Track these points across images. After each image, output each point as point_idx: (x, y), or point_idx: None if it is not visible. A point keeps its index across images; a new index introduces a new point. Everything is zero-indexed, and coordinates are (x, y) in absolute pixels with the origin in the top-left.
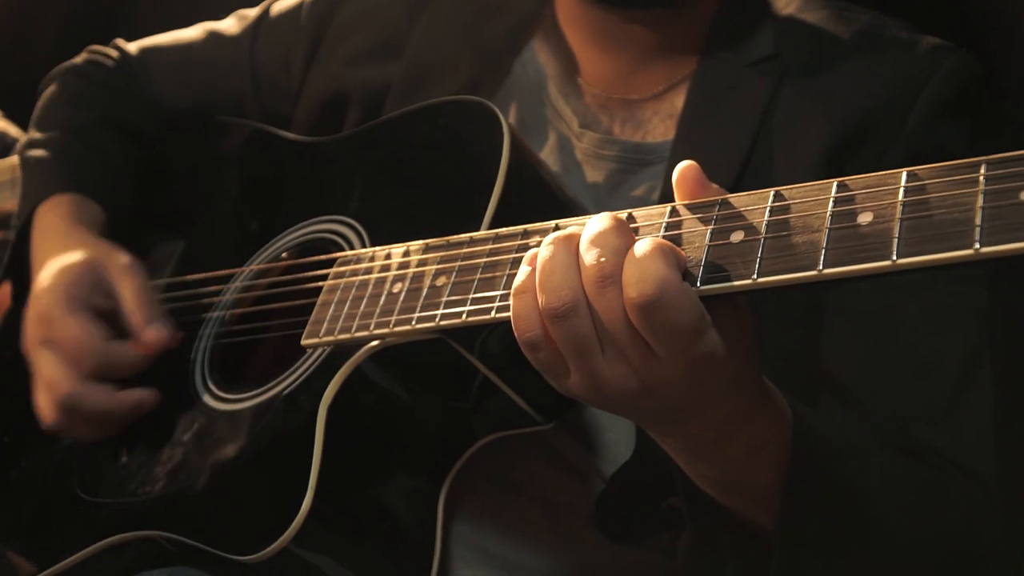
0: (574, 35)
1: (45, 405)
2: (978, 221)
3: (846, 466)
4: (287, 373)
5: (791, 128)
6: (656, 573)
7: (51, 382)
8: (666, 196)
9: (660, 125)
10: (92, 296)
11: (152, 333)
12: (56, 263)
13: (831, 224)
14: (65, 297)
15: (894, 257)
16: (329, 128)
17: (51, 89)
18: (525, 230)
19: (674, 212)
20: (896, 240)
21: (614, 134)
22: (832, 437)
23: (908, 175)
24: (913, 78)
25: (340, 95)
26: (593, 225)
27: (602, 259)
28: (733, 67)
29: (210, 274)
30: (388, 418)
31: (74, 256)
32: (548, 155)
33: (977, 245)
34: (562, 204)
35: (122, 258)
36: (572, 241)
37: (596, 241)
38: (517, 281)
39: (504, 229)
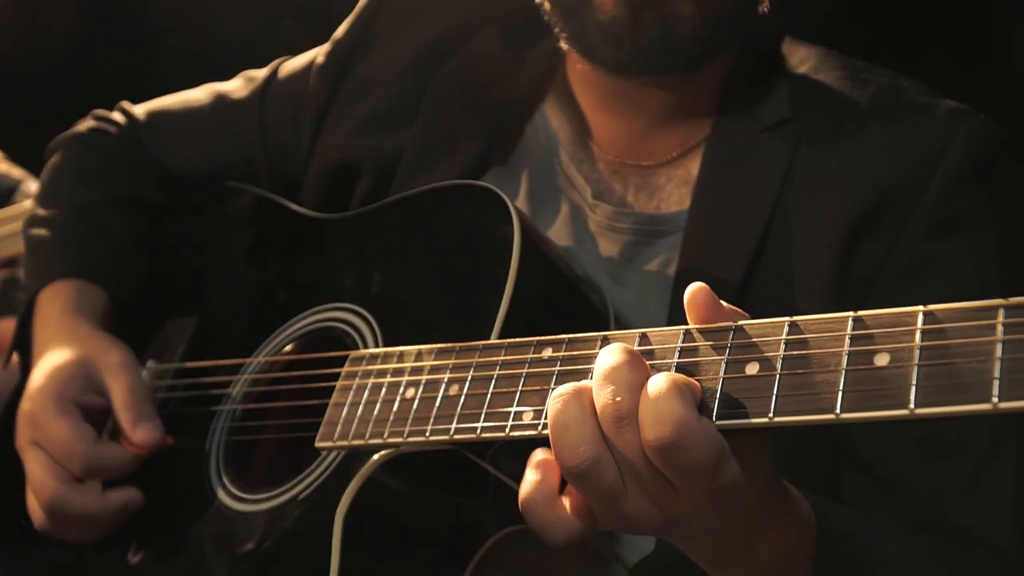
0: (586, 99)
1: (33, 507)
2: (996, 373)
3: (872, 563)
4: (303, 475)
5: (810, 198)
6: None
7: (37, 485)
8: (682, 269)
9: (675, 192)
10: (82, 395)
11: (141, 433)
12: (49, 361)
13: (848, 364)
14: (54, 397)
15: (911, 406)
16: (339, 195)
17: (54, 159)
18: (538, 341)
19: (688, 336)
20: (913, 388)
21: (628, 203)
22: (857, 534)
23: (925, 315)
24: (932, 146)
25: (350, 163)
26: (605, 359)
27: (617, 398)
28: (749, 131)
29: (220, 362)
30: (404, 521)
31: (66, 354)
32: (561, 227)
33: (995, 399)
34: (573, 289)
35: (115, 355)
36: (582, 395)
37: (610, 378)
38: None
39: (516, 340)
